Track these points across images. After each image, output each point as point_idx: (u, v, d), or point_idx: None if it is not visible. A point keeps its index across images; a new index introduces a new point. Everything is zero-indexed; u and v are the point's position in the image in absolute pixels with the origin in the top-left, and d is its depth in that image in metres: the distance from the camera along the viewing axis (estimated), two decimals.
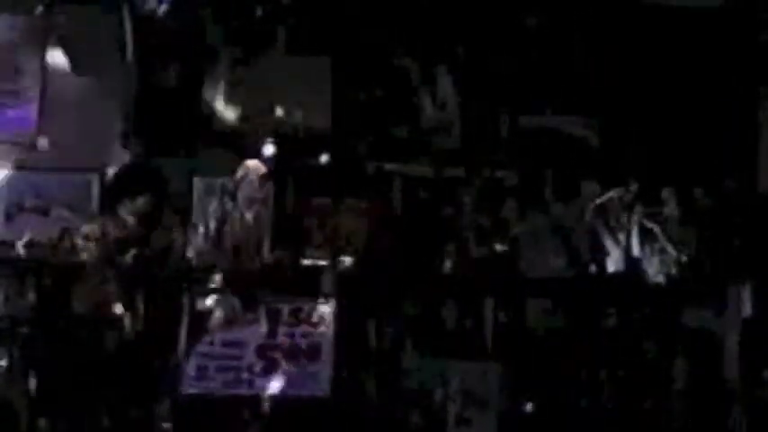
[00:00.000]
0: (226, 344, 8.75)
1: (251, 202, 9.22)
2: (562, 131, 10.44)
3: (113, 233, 9.10)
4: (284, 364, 8.80)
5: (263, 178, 9.30)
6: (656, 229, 9.68)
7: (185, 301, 8.85)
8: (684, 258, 9.56)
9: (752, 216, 9.72)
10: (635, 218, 9.74)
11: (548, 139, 10.40)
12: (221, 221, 9.15)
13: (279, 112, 10.32)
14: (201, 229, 9.16)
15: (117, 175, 10.02)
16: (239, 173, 9.31)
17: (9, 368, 8.61)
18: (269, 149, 10.82)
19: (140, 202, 9.23)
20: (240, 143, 10.43)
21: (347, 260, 9.75)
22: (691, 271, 9.59)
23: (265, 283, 9.11)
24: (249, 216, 9.23)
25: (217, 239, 9.12)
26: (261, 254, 9.25)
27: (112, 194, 9.63)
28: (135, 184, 9.54)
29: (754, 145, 10.00)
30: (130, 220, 9.21)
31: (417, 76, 10.58)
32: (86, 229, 9.02)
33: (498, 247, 9.71)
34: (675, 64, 10.34)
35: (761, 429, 9.07)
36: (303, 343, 8.83)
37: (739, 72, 10.19)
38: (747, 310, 9.01)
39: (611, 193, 9.84)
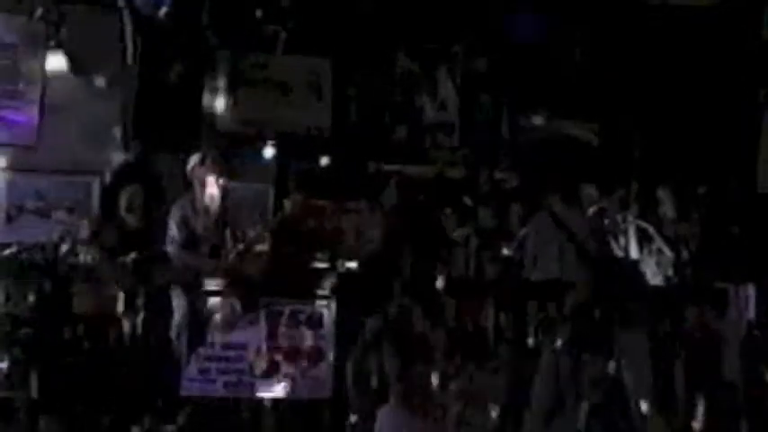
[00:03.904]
0: (227, 346, 8.73)
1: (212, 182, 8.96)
2: (563, 133, 10.46)
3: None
4: (285, 367, 8.79)
5: (210, 158, 9.06)
6: (651, 229, 9.65)
7: (186, 302, 8.79)
8: (683, 258, 9.53)
9: (751, 215, 9.70)
10: (631, 218, 9.71)
11: (549, 141, 10.41)
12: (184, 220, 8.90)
13: (279, 112, 10.34)
14: (172, 233, 8.91)
15: (114, 174, 10.06)
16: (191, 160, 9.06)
17: (10, 369, 8.59)
18: (269, 150, 10.84)
19: (129, 192, 9.15)
20: (240, 143, 10.46)
21: (347, 262, 9.76)
22: (689, 271, 9.56)
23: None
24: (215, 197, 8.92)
25: (187, 240, 8.91)
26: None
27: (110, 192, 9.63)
28: (129, 180, 9.50)
29: (754, 145, 10.01)
30: (129, 218, 9.16)
31: (418, 77, 10.60)
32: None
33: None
34: (676, 64, 10.36)
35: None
36: (304, 345, 8.82)
37: (741, 73, 10.21)
38: (751, 311, 8.96)
39: (611, 196, 9.83)
